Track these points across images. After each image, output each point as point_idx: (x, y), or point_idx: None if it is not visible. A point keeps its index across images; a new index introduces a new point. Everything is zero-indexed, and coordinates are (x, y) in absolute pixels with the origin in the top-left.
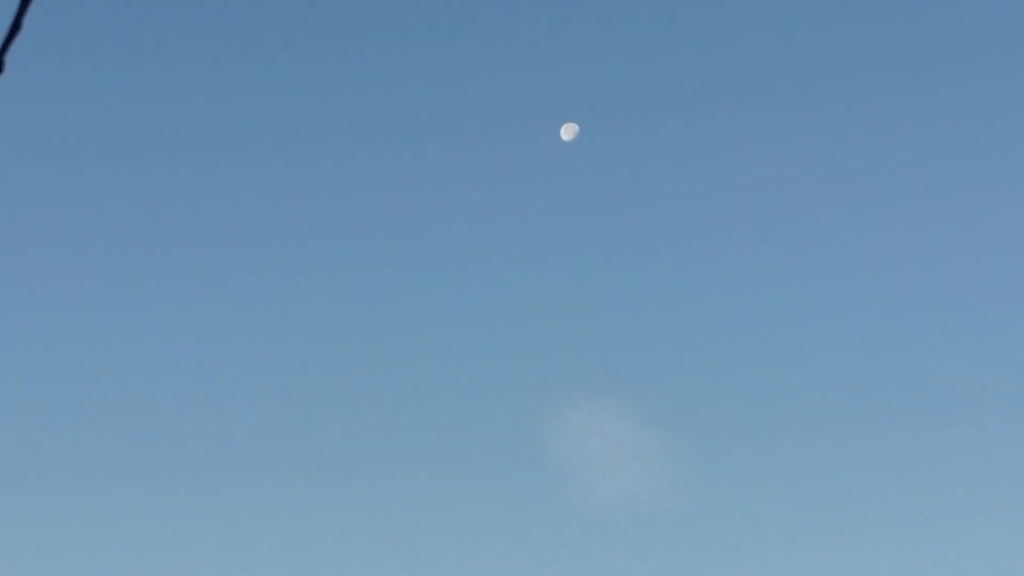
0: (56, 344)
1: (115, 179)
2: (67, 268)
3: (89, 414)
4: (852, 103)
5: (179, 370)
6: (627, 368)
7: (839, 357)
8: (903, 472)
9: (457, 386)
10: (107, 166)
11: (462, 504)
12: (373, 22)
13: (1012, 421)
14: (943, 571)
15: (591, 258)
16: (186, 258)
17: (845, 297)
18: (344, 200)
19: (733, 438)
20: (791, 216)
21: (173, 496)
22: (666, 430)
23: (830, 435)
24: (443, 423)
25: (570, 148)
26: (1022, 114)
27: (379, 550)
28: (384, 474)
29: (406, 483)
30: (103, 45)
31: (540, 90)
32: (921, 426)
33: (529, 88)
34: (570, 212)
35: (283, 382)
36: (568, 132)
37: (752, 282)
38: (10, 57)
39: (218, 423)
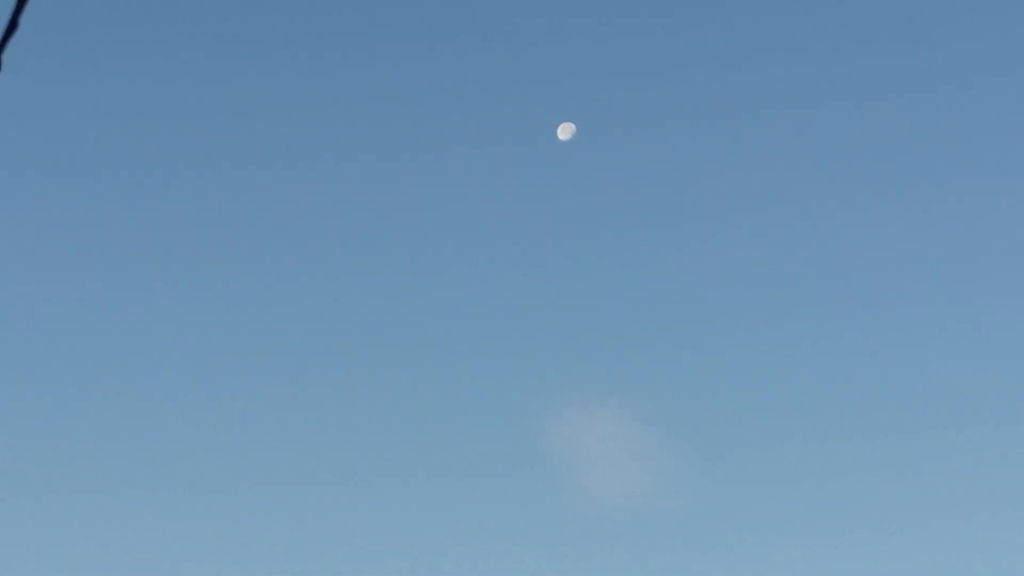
0: (56, 344)
1: (115, 179)
2: (67, 268)
3: (89, 414)
4: (852, 103)
5: (179, 370)
6: (626, 368)
7: (839, 357)
8: (903, 472)
9: (456, 386)
10: (106, 165)
11: (461, 504)
12: (372, 22)
13: (1012, 421)
14: (943, 571)
15: (589, 258)
16: (186, 258)
17: (845, 297)
18: (342, 200)
19: (732, 438)
20: (790, 216)
21: (173, 496)
22: (665, 430)
23: (829, 435)
24: (442, 423)
25: (567, 148)
26: (1022, 114)
27: (379, 550)
28: (384, 474)
29: (406, 483)
30: (102, 44)
31: (537, 90)
32: (921, 426)
33: (526, 88)
34: (567, 212)
35: (283, 382)
36: (565, 132)
37: (751, 282)
38: (7, 56)
39: (218, 423)
